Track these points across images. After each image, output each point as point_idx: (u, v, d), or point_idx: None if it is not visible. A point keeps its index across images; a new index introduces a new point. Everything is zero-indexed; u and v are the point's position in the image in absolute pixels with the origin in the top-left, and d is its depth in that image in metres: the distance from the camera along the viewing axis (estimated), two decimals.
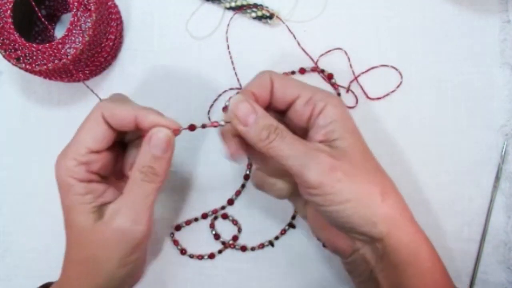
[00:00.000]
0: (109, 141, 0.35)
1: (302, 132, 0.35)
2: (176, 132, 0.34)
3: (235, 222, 0.45)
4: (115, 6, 0.46)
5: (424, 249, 0.33)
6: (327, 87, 0.45)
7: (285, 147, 0.32)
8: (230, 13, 0.46)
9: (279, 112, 0.36)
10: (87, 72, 0.45)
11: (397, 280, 0.32)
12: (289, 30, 0.45)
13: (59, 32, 0.48)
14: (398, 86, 0.44)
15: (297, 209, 0.40)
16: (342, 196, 0.31)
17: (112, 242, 0.34)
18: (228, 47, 0.46)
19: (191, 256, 0.45)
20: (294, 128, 0.35)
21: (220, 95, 0.45)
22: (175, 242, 0.45)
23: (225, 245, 0.45)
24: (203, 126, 0.35)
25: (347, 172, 0.31)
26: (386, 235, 0.32)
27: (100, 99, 0.46)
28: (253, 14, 0.45)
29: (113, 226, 0.33)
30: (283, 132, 0.32)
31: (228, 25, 0.46)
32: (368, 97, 0.45)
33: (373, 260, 0.34)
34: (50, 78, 0.44)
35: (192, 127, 0.35)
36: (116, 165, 0.38)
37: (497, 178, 0.43)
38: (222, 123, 0.34)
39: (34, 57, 0.41)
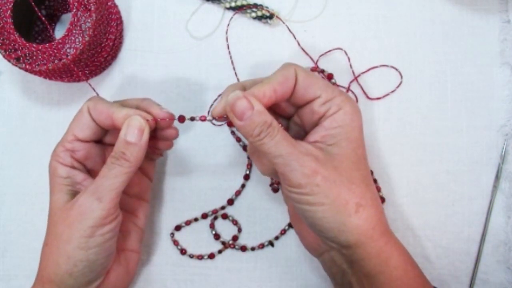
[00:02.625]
0: (92, 133, 0.37)
1: (311, 127, 0.36)
2: (151, 123, 0.36)
3: (235, 222, 0.45)
4: (115, 6, 0.46)
5: (395, 258, 0.34)
6: None
7: (273, 146, 0.33)
8: (230, 13, 0.46)
9: (294, 106, 0.37)
10: (87, 72, 0.45)
11: (369, 286, 0.34)
12: (289, 30, 0.45)
13: (59, 32, 0.48)
14: (398, 86, 0.44)
15: (282, 191, 0.41)
16: (317, 199, 0.33)
17: (73, 220, 0.35)
18: (228, 47, 0.46)
19: (191, 256, 0.45)
20: (303, 122, 0.37)
21: (220, 95, 0.45)
22: (175, 242, 0.45)
23: (225, 245, 0.45)
24: (192, 118, 0.36)
25: (328, 178, 0.33)
26: (353, 244, 0.33)
27: None
28: (253, 14, 0.45)
29: (76, 203, 0.35)
30: (274, 130, 0.33)
31: (228, 25, 0.46)
32: (368, 97, 0.45)
33: (344, 264, 0.36)
34: (50, 78, 0.44)
35: (181, 119, 0.37)
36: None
37: (497, 178, 0.43)
38: (210, 117, 0.35)
39: (34, 57, 0.41)
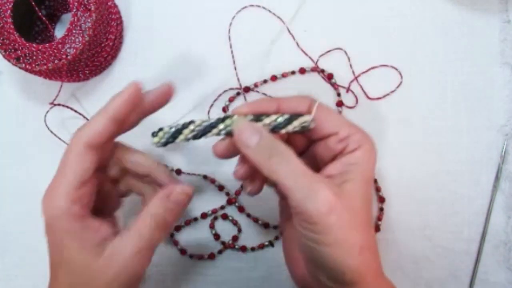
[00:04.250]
0: (95, 167, 0.34)
1: (324, 163, 0.34)
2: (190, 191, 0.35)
3: (235, 222, 0.45)
4: (115, 6, 0.46)
5: None
6: (327, 87, 0.45)
7: (288, 175, 0.31)
8: (230, 13, 0.46)
9: (308, 140, 0.36)
10: (87, 72, 0.45)
11: None
12: (289, 31, 0.45)
13: (59, 32, 0.48)
14: (398, 86, 0.44)
15: (280, 213, 0.40)
16: (326, 240, 0.31)
17: (115, 281, 0.33)
18: (230, 46, 0.46)
19: (191, 256, 0.45)
20: (316, 158, 0.36)
21: (220, 95, 0.45)
22: (175, 242, 0.45)
23: (225, 245, 0.45)
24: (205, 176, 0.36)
25: (341, 217, 0.31)
26: (350, 284, 0.32)
27: (87, 119, 0.45)
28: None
29: (119, 265, 0.32)
30: (290, 157, 0.31)
31: (230, 24, 0.46)
32: (368, 97, 0.45)
33: None
34: (50, 78, 0.44)
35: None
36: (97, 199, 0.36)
37: (497, 178, 0.43)
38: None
39: (34, 57, 0.41)
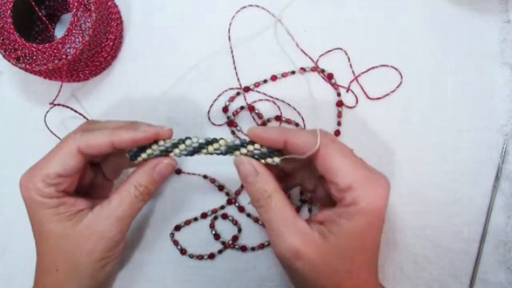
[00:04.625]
0: (80, 168, 0.36)
1: (331, 201, 0.35)
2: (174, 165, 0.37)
3: (235, 222, 0.45)
4: (115, 6, 0.46)
5: None
6: (327, 87, 0.45)
7: (266, 218, 0.34)
8: (230, 13, 0.46)
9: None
10: (87, 72, 0.45)
11: None
12: (288, 32, 0.45)
13: (59, 32, 0.48)
14: (398, 86, 0.44)
15: None
16: (294, 281, 0.35)
17: (95, 248, 0.36)
18: (230, 47, 0.46)
19: (191, 256, 0.45)
20: (326, 192, 0.37)
21: (220, 95, 0.45)
22: (175, 242, 0.45)
23: (225, 245, 0.45)
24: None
25: (310, 263, 0.33)
26: None
27: (87, 119, 0.46)
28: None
29: (99, 234, 0.35)
30: (272, 202, 0.34)
31: (230, 24, 0.46)
32: (368, 97, 0.45)
33: None
34: (50, 78, 0.44)
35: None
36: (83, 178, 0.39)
37: (497, 178, 0.43)
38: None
39: (34, 57, 0.41)
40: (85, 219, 0.35)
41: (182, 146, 0.36)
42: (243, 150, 0.35)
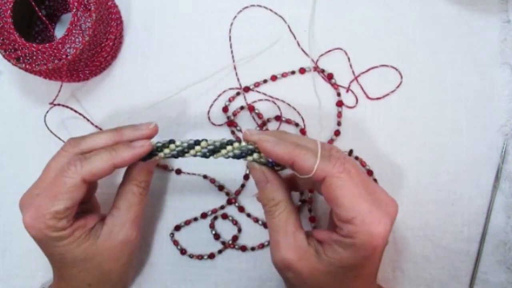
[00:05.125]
0: (84, 195, 0.36)
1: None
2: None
3: (235, 222, 0.45)
4: (115, 6, 0.46)
5: None
6: (327, 87, 0.45)
7: (270, 223, 0.35)
8: (231, 13, 0.46)
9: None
10: (87, 72, 0.45)
11: None
12: (290, 30, 0.45)
13: (59, 32, 0.48)
14: (398, 86, 0.44)
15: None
16: (286, 284, 0.37)
17: (122, 253, 0.37)
18: (230, 47, 0.46)
19: (191, 256, 0.45)
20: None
21: (220, 95, 0.45)
22: (175, 242, 0.45)
23: (225, 245, 0.45)
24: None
25: (299, 277, 0.34)
26: None
27: (87, 119, 0.46)
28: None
29: (122, 240, 0.37)
30: (277, 211, 0.35)
31: (231, 24, 0.46)
32: (368, 97, 0.45)
33: None
34: (50, 78, 0.44)
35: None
36: None
37: (497, 178, 0.43)
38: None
39: (34, 57, 0.41)
40: (102, 234, 0.37)
41: (197, 148, 0.36)
42: (255, 156, 0.35)
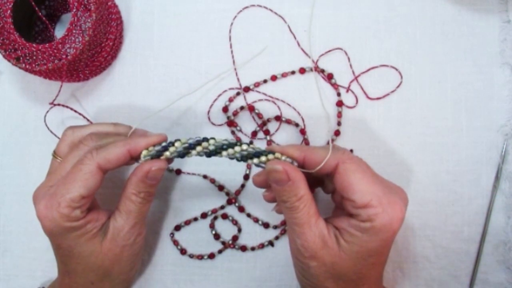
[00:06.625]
0: (100, 184, 0.36)
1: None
2: (170, 161, 0.37)
3: (235, 222, 0.45)
4: (115, 6, 0.46)
5: None
6: (327, 87, 0.45)
7: (292, 217, 0.34)
8: (231, 13, 0.46)
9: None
10: (87, 72, 0.45)
11: None
12: (290, 30, 0.45)
13: (59, 32, 0.48)
14: (398, 86, 0.44)
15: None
16: (305, 279, 0.36)
17: (122, 255, 0.38)
18: (231, 46, 0.46)
19: (191, 256, 0.45)
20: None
21: (220, 95, 0.45)
22: (175, 242, 0.45)
23: (225, 245, 0.45)
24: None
25: (322, 266, 0.34)
26: None
27: (87, 119, 0.46)
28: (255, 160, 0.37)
29: (122, 243, 0.37)
30: (301, 205, 0.34)
31: (231, 24, 0.46)
32: (368, 97, 0.45)
33: None
34: (50, 78, 0.44)
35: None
36: None
37: (497, 178, 0.43)
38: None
39: (34, 57, 0.41)
40: (108, 234, 0.37)
41: (199, 148, 0.36)
42: (263, 158, 0.35)
